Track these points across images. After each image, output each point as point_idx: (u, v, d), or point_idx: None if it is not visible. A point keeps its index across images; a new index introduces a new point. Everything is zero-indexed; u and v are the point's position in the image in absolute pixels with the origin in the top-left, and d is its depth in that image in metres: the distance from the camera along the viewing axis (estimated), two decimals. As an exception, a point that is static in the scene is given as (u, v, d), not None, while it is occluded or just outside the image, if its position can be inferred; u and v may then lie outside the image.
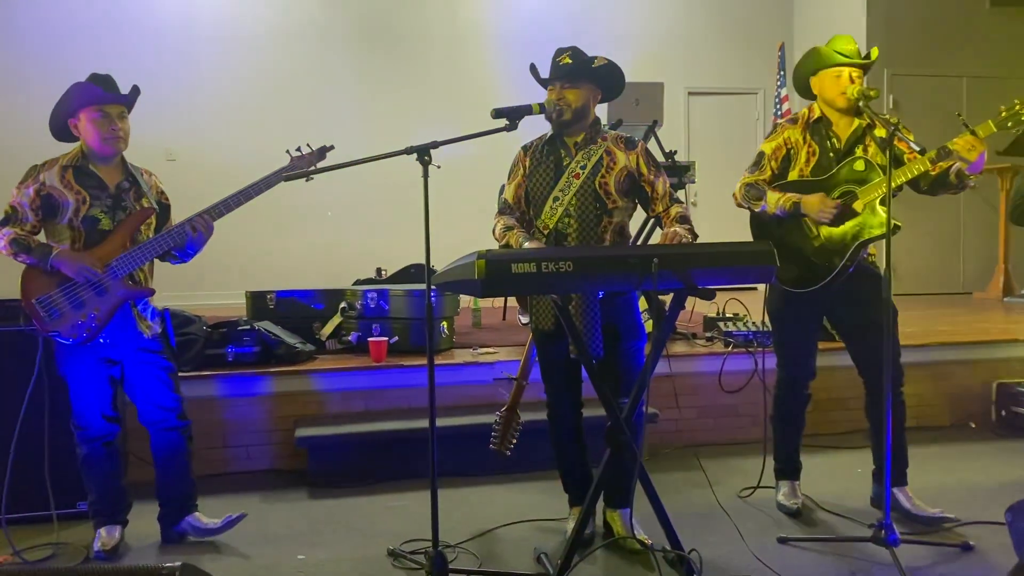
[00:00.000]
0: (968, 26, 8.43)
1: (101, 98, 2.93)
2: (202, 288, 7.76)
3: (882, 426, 3.13)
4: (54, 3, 7.95)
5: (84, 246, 2.93)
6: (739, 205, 3.33)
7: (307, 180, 2.94)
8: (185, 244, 3.04)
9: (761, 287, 4.16)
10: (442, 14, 8.75)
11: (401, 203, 8.14)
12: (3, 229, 2.90)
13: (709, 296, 2.54)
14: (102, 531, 3.10)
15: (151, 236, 3.02)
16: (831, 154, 3.17)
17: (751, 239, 3.35)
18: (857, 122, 3.18)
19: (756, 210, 3.24)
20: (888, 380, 2.82)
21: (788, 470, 3.48)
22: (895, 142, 3.02)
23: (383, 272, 7.07)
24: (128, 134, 3.02)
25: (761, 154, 3.30)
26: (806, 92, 3.33)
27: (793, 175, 3.24)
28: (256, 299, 4.90)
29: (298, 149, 3.08)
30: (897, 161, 3.12)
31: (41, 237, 2.99)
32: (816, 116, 3.23)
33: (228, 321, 4.34)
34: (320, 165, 3.00)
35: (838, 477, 3.83)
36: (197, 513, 3.23)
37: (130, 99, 3.02)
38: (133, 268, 2.95)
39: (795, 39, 9.21)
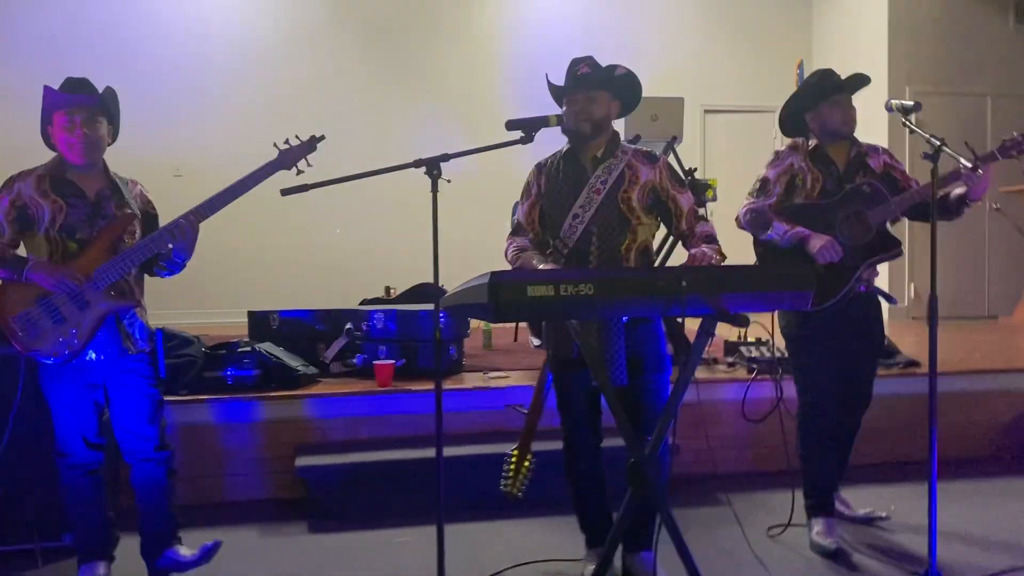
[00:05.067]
0: (993, 44, 8.24)
1: (64, 101, 2.71)
2: (202, 306, 7.60)
3: (845, 438, 3.34)
4: (59, 15, 7.84)
5: (62, 258, 2.72)
6: (742, 228, 3.27)
7: (297, 173, 2.73)
8: (171, 252, 2.82)
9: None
10: (455, 28, 8.61)
11: (412, 218, 7.97)
12: None
13: (743, 323, 2.33)
14: (85, 568, 2.89)
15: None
16: (834, 179, 3.17)
17: (757, 257, 3.31)
18: (853, 149, 3.21)
19: (761, 238, 3.19)
20: (934, 416, 2.63)
21: (821, 505, 3.25)
22: (891, 172, 3.21)
23: (392, 291, 6.89)
24: (100, 140, 2.78)
25: (765, 180, 3.26)
26: (797, 129, 3.29)
27: (797, 201, 3.21)
28: (258, 319, 4.72)
29: (286, 141, 2.80)
30: (893, 186, 3.16)
31: (20, 252, 2.78)
32: (813, 144, 3.24)
33: (227, 342, 4.15)
34: (328, 177, 2.74)
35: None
36: (178, 547, 2.99)
37: (98, 101, 2.76)
38: (116, 278, 2.72)
39: (814, 56, 9.02)
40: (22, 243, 2.79)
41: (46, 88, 2.74)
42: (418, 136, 8.08)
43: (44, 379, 2.80)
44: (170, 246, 2.78)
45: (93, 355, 2.78)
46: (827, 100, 3.15)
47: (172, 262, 2.87)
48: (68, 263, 2.71)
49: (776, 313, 3.31)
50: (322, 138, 2.82)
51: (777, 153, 3.30)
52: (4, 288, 2.71)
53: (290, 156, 2.79)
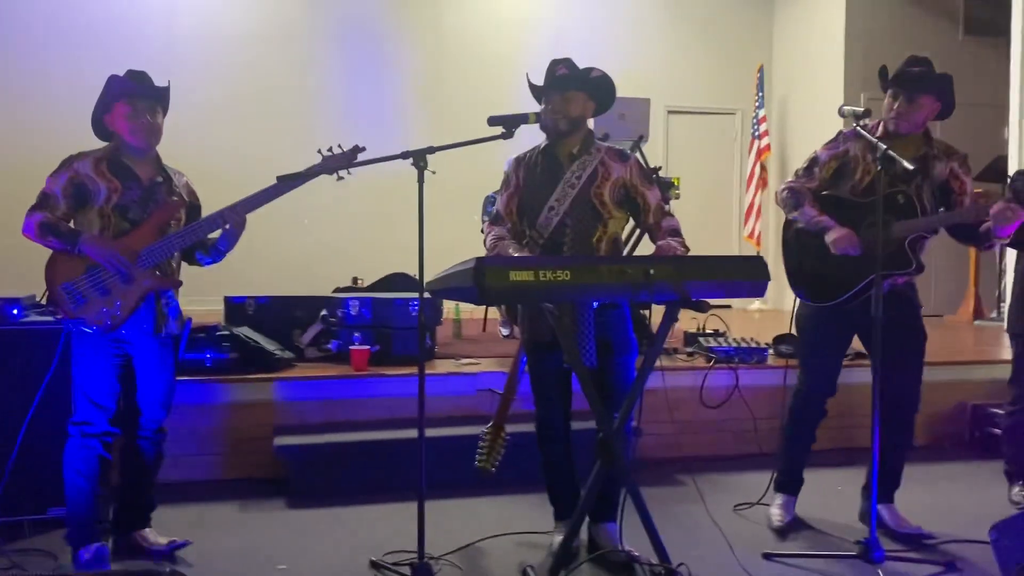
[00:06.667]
0: (942, 54, 8.48)
1: (130, 90, 2.92)
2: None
3: (889, 446, 3.19)
4: (31, 6, 7.78)
5: (114, 234, 2.89)
6: (778, 204, 3.35)
7: (338, 179, 2.94)
8: (217, 239, 3.04)
9: (737, 305, 4.12)
10: (426, 21, 8.72)
11: (380, 211, 8.12)
12: (34, 213, 2.85)
13: (703, 308, 2.54)
14: (83, 552, 2.93)
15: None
16: (887, 176, 2.97)
17: (782, 243, 3.37)
18: (923, 149, 3.10)
19: (789, 217, 3.23)
20: (876, 399, 2.88)
21: (789, 483, 3.47)
22: (950, 181, 3.13)
23: (359, 281, 6.99)
24: (159, 130, 2.99)
25: (815, 159, 3.22)
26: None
27: (843, 191, 3.18)
28: (234, 304, 4.82)
29: (329, 149, 3.00)
30: (946, 196, 3.14)
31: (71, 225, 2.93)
32: (880, 134, 3.11)
33: (206, 326, 4.25)
34: (300, 169, 2.94)
35: (821, 493, 3.81)
36: (147, 530, 3.11)
37: (161, 93, 2.99)
38: (162, 258, 2.92)
39: (774, 61, 9.33)
40: (73, 219, 2.93)
41: (113, 76, 2.93)
42: (391, 127, 8.21)
43: (77, 348, 2.92)
44: (217, 232, 2.98)
45: (124, 332, 2.92)
46: (888, 89, 3.08)
47: (216, 250, 3.08)
48: (119, 239, 2.87)
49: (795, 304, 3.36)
50: (363, 149, 2.99)
51: (838, 134, 3.21)
52: (56, 258, 2.87)
53: (333, 162, 2.96)
